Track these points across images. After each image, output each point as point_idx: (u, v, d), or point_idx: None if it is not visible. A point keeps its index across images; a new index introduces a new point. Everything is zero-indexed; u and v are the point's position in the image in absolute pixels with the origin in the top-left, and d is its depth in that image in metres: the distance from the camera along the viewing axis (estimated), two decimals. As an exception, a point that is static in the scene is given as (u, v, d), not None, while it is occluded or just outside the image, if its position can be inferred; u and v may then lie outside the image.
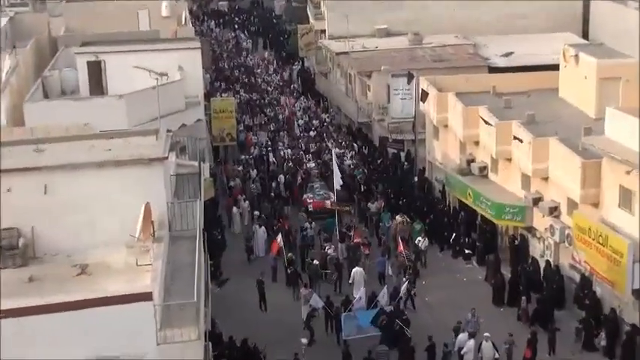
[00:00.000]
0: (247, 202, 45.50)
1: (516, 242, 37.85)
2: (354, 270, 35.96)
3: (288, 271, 37.27)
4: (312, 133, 58.70)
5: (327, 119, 62.35)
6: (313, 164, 51.27)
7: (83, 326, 18.13)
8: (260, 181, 49.18)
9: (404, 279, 35.33)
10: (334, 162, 43.49)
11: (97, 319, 18.17)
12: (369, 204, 44.32)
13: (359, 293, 34.12)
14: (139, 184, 22.15)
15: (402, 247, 37.51)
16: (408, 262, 36.83)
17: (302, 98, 68.21)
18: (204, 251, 27.12)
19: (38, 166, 21.92)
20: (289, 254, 38.15)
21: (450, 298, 35.67)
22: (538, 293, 34.37)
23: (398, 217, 41.41)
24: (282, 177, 48.87)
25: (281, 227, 41.60)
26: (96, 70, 41.24)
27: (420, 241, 39.31)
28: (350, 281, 35.97)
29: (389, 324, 31.57)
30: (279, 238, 38.45)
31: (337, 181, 42.12)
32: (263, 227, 41.63)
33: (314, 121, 61.97)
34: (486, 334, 29.98)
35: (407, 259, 36.97)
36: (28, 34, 47.68)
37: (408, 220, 41.42)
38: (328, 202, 43.79)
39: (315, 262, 37.58)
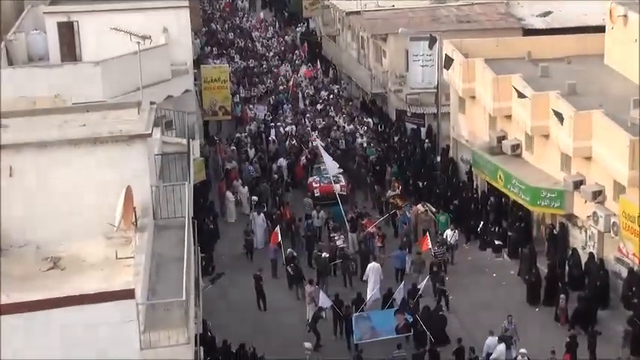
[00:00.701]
0: (246, 187, 45.57)
1: (555, 232, 37.92)
2: (369, 266, 36.06)
3: (289, 270, 37.22)
4: (318, 107, 58.68)
5: (337, 91, 62.35)
6: (321, 143, 51.31)
7: (55, 328, 18.22)
8: (259, 162, 49.28)
9: (429, 275, 35.44)
10: (320, 148, 44.00)
11: (71, 320, 18.24)
12: (390, 191, 44.24)
13: (373, 291, 34.29)
14: (118, 165, 22.20)
15: (427, 244, 37.38)
16: (439, 260, 36.92)
17: (307, 66, 68.12)
18: (194, 242, 27.22)
19: (2, 144, 21.98)
20: (288, 250, 38.09)
21: (479, 297, 35.83)
22: (579, 290, 34.46)
23: (419, 207, 41.47)
24: (282, 160, 48.95)
25: (281, 216, 41.76)
26: (68, 33, 41.27)
27: (448, 234, 39.22)
28: (364, 278, 36.10)
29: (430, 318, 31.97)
30: (278, 228, 38.67)
31: (331, 167, 42.22)
32: (262, 215, 41.78)
33: (321, 93, 61.98)
34: (522, 350, 29.90)
35: (437, 257, 36.95)
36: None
37: (432, 209, 41.40)
38: (337, 187, 43.95)
39: (324, 254, 37.69)
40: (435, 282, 35.37)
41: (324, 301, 33.58)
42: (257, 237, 41.14)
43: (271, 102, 60.62)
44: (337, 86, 63.54)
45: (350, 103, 59.96)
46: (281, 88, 63.48)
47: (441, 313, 33.38)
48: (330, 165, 42.66)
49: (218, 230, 42.23)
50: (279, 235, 38.37)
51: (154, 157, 25.11)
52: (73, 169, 22.09)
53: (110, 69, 36.64)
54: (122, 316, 18.36)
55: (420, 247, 38.25)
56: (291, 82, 63.72)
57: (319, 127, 54.36)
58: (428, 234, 38.51)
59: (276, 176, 47.62)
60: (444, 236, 39.15)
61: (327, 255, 37.77)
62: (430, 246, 37.16)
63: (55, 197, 21.98)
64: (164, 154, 27.86)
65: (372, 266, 35.92)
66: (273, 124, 55.13)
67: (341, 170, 44.46)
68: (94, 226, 21.66)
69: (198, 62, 57.08)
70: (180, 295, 19.66)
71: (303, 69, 67.25)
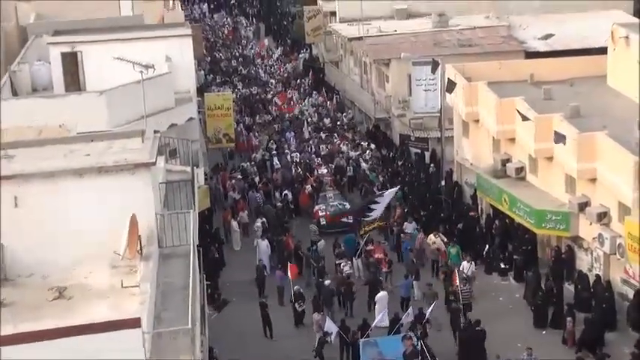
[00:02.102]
0: (262, 221, 44.92)
1: (563, 255, 37.86)
2: (378, 295, 35.91)
3: (296, 307, 36.65)
4: (322, 134, 58.58)
5: (344, 119, 61.94)
6: (325, 170, 51.30)
7: (62, 358, 18.24)
8: (263, 188, 49.28)
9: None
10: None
11: (77, 349, 18.21)
12: (406, 223, 43.30)
13: (380, 315, 34.25)
14: (123, 193, 22.26)
15: (456, 280, 36.17)
16: (465, 302, 35.61)
17: (314, 94, 67.94)
18: (200, 270, 27.25)
19: (7, 174, 22.02)
20: (296, 287, 37.12)
21: (485, 320, 35.66)
22: (586, 313, 34.40)
23: (432, 237, 40.82)
24: (288, 192, 48.71)
25: (285, 245, 41.60)
26: (72, 63, 41.39)
27: (465, 266, 38.33)
28: (375, 308, 35.67)
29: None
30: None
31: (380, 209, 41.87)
32: (266, 240, 41.79)
33: (324, 120, 61.94)
34: None
35: (463, 296, 35.66)
36: (-7, 23, 47.97)
37: (444, 239, 40.85)
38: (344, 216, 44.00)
39: (327, 282, 37.62)
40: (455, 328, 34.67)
41: (331, 326, 33.58)
42: (262, 263, 41.13)
43: (276, 129, 60.65)
44: (344, 114, 63.30)
45: (355, 130, 59.81)
46: (286, 116, 63.44)
47: (478, 328, 33.28)
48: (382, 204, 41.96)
49: (223, 258, 42.26)
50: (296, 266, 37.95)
51: (158, 185, 25.19)
52: (78, 199, 22.15)
53: (114, 98, 36.72)
54: (128, 345, 18.30)
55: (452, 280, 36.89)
56: (296, 110, 63.80)
57: (323, 153, 54.41)
58: (457, 271, 36.99)
59: (280, 204, 47.60)
60: (461, 269, 37.99)
61: (330, 282, 37.56)
62: (458, 283, 36.00)
63: (60, 227, 22.02)
64: (168, 183, 27.95)
65: (382, 296, 35.79)
66: (277, 151, 55.18)
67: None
68: (99, 255, 21.68)
69: (201, 90, 57.28)
70: (186, 323, 19.69)
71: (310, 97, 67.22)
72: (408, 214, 44.45)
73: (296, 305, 36.69)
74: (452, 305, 35.49)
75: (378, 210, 41.61)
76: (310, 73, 73.44)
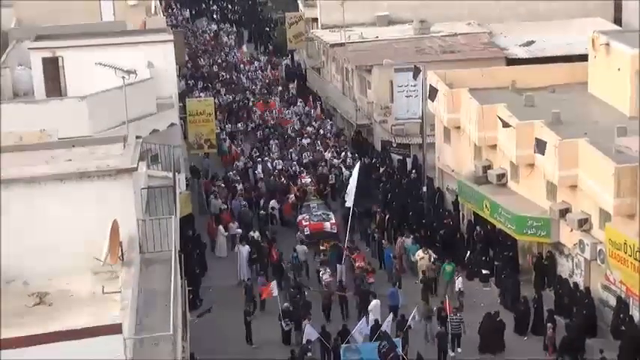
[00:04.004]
0: (257, 232, 44.35)
1: (544, 261, 37.94)
2: (371, 304, 35.60)
3: (282, 325, 35.61)
4: (305, 141, 58.33)
5: (329, 126, 61.58)
6: (309, 179, 51.17)
7: (42, 364, 18.19)
8: (244, 194, 49.12)
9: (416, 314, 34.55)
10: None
11: (58, 356, 18.17)
12: (404, 238, 42.03)
13: (362, 321, 34.09)
14: (104, 199, 22.18)
15: (447, 308, 34.70)
16: (456, 331, 34.34)
17: (298, 102, 67.61)
18: (181, 276, 27.19)
19: (-12, 180, 21.97)
20: (285, 304, 36.22)
21: (467, 326, 35.68)
22: (567, 319, 34.51)
23: (420, 253, 39.87)
24: (274, 202, 48.21)
25: (269, 257, 41.33)
26: (53, 68, 41.29)
27: (457, 282, 37.86)
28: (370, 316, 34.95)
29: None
30: (273, 285, 36.86)
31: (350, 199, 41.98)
32: (247, 246, 41.66)
33: (307, 128, 61.55)
34: None
35: (453, 326, 34.19)
36: (-27, 28, 47.81)
37: (435, 256, 39.76)
38: (328, 225, 43.92)
39: (307, 292, 37.25)
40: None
41: (311, 333, 33.49)
42: (243, 269, 41.05)
43: (258, 137, 60.43)
44: (330, 122, 62.90)
45: (340, 138, 59.37)
46: (269, 123, 63.09)
47: (499, 319, 33.88)
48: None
49: (205, 263, 42.16)
50: (274, 289, 36.83)
51: (140, 191, 25.13)
52: (59, 204, 22.07)
53: (96, 104, 36.69)
54: (110, 351, 18.23)
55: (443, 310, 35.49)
56: (277, 117, 63.56)
57: (304, 161, 54.20)
58: (448, 299, 35.42)
59: (263, 212, 47.37)
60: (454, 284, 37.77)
61: (308, 293, 37.35)
62: (448, 312, 34.53)
63: (41, 232, 21.92)
64: (150, 188, 27.88)
65: (375, 304, 35.54)
66: (260, 159, 54.93)
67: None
68: (80, 261, 21.59)
69: (183, 96, 57.15)
70: (168, 329, 19.63)
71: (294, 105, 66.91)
72: (404, 228, 43.45)
73: (282, 324, 35.72)
74: (439, 329, 34.46)
75: (350, 195, 41.96)
76: (295, 81, 73.26)
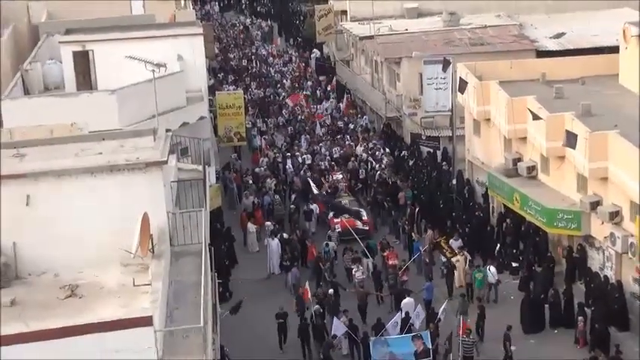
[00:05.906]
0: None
1: (575, 254, 37.69)
2: (404, 302, 35.33)
3: (314, 321, 34.92)
4: (336, 137, 58.04)
5: (364, 123, 61.31)
6: (340, 175, 50.89)
7: (73, 356, 18.26)
8: (275, 189, 49.03)
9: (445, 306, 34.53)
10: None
11: (88, 348, 18.25)
12: (452, 240, 41.28)
13: (397, 315, 33.97)
14: (134, 192, 22.27)
15: (462, 328, 32.83)
16: (467, 352, 32.66)
17: (331, 97, 67.35)
18: (211, 269, 27.25)
19: (19, 173, 22.08)
20: (316, 307, 35.56)
21: (497, 320, 35.54)
22: (597, 312, 34.30)
23: (459, 257, 38.92)
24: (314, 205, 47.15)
25: (306, 255, 41.30)
26: (83, 62, 41.46)
27: (492, 273, 37.63)
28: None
29: None
30: (307, 285, 36.65)
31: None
32: (276, 240, 41.66)
33: (338, 123, 61.32)
34: None
35: (465, 350, 32.60)
36: (5, 22, 47.99)
37: (470, 257, 39.15)
38: (359, 222, 43.77)
39: (330, 291, 36.63)
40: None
41: (338, 327, 33.30)
42: (272, 262, 41.11)
43: (289, 132, 60.26)
44: (365, 117, 62.67)
45: (371, 133, 59.04)
46: (299, 118, 62.97)
47: (617, 295, 33.96)
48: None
49: (235, 256, 42.22)
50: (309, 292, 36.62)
51: (170, 184, 25.20)
52: (90, 197, 22.18)
53: (126, 97, 36.78)
54: (140, 344, 18.32)
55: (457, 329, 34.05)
56: (306, 112, 63.43)
57: (335, 156, 53.98)
58: (462, 319, 33.31)
59: (293, 207, 47.13)
60: (488, 276, 37.48)
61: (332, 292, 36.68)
62: (461, 332, 32.96)
63: (72, 225, 22.05)
64: (180, 181, 27.98)
65: (407, 302, 35.26)
66: (289, 153, 54.82)
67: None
68: (111, 254, 21.71)
69: (213, 89, 57.21)
70: (198, 321, 19.70)
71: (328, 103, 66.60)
72: (449, 228, 42.74)
73: (313, 321, 35.08)
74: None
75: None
76: (328, 75, 72.95)
